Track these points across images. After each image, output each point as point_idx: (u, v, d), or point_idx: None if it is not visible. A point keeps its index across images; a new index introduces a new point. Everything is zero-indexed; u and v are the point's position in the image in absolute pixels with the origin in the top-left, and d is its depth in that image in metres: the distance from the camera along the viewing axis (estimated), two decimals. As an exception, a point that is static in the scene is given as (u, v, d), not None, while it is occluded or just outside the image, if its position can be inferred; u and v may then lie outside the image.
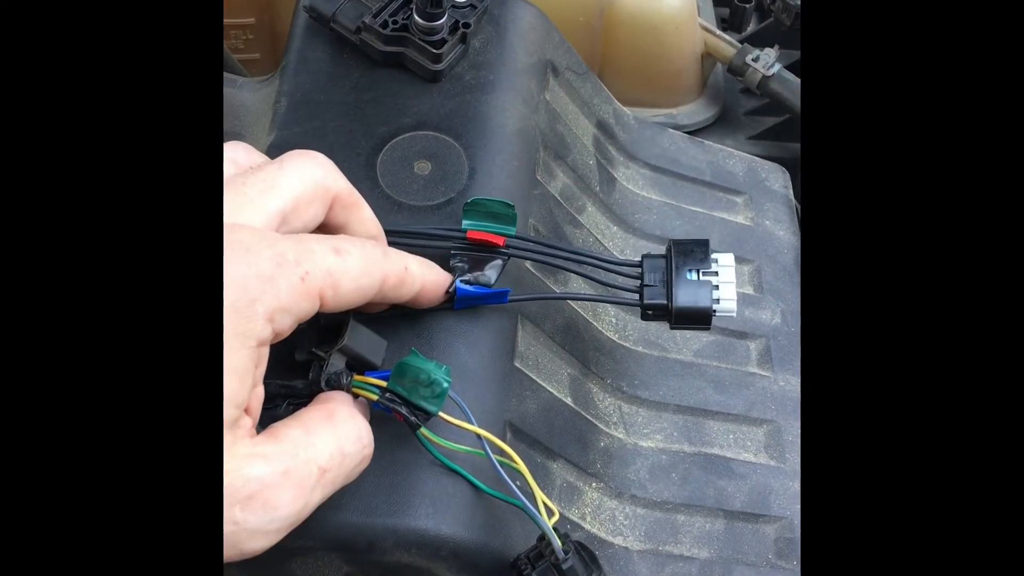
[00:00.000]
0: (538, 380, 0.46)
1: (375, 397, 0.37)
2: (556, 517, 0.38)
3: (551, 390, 0.47)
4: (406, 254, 0.40)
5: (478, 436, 0.38)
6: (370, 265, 0.37)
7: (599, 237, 0.54)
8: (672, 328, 0.43)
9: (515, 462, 0.38)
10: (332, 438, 0.35)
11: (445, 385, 0.37)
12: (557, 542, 0.37)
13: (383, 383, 0.37)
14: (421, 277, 0.40)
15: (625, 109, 0.62)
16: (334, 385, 0.37)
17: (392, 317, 0.43)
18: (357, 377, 0.38)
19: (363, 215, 0.40)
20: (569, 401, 0.47)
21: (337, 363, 0.38)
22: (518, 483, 0.38)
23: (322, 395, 0.38)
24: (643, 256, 0.44)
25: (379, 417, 0.39)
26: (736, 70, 0.68)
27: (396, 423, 0.39)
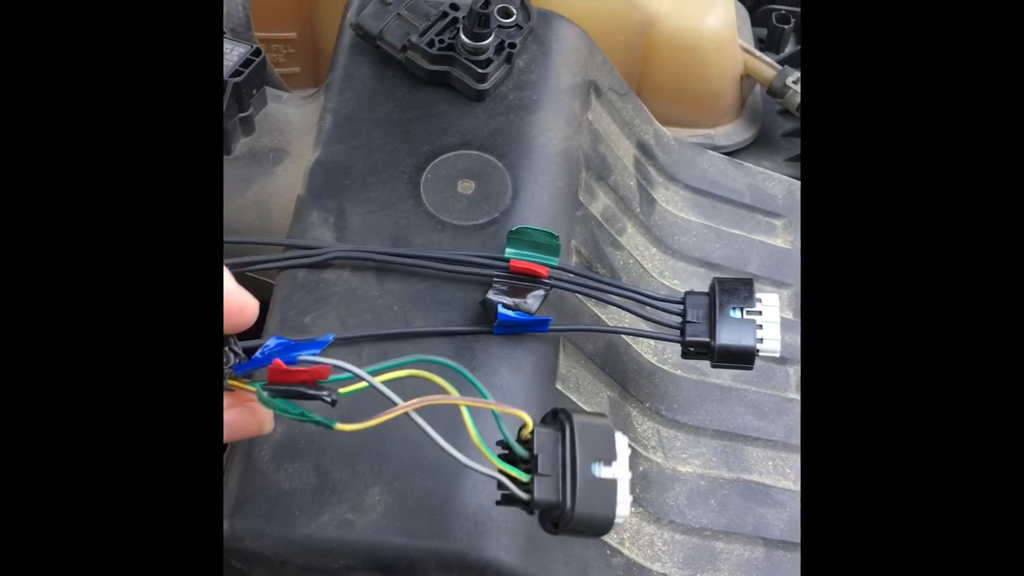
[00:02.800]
0: (578, 402, 0.46)
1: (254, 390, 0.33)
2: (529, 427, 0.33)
3: (591, 413, 0.46)
4: None
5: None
6: None
7: (639, 259, 0.54)
8: (713, 366, 0.43)
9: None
10: None
11: (322, 421, 0.33)
12: (518, 492, 0.32)
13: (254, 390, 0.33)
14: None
15: (665, 130, 0.61)
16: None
17: (432, 335, 0.43)
18: (232, 381, 0.34)
19: None
20: (609, 424, 0.47)
21: None
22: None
23: None
24: (686, 293, 0.44)
25: (422, 440, 0.39)
26: (776, 92, 0.68)
27: (437, 447, 0.39)
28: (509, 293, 0.43)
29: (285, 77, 0.68)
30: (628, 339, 0.51)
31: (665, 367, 0.52)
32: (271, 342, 0.32)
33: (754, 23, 0.78)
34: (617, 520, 0.32)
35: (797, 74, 0.67)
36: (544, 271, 0.44)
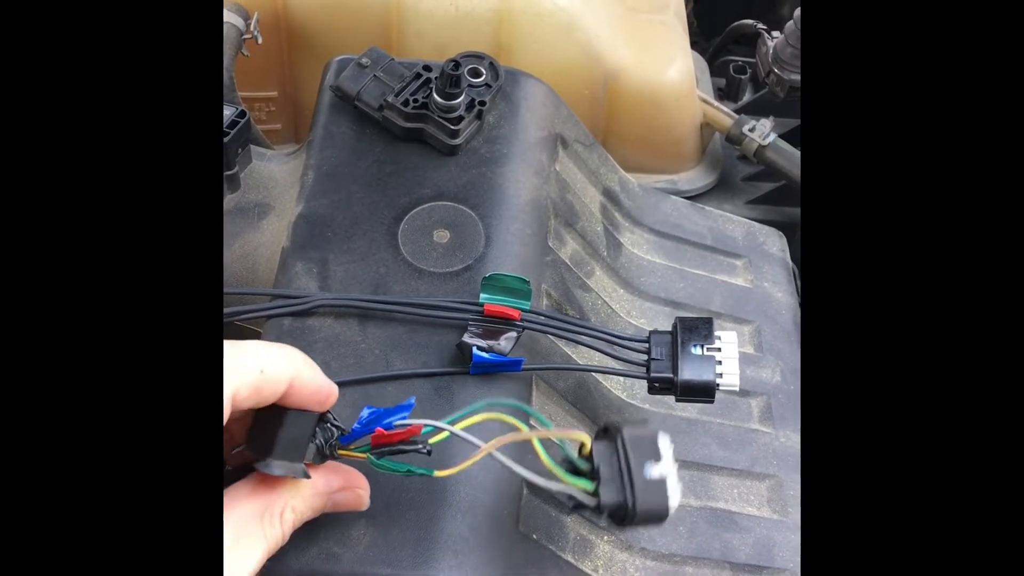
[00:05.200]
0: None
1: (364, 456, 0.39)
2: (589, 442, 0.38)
3: (564, 447, 0.49)
4: (266, 354, 0.36)
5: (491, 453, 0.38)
6: None
7: (607, 300, 0.57)
8: (677, 400, 0.46)
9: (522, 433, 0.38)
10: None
11: (424, 472, 0.39)
12: (587, 500, 0.37)
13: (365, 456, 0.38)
14: (287, 374, 0.36)
15: (630, 177, 0.65)
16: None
17: (412, 377, 0.46)
18: (342, 452, 0.39)
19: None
20: (581, 457, 0.50)
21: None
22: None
23: None
24: (650, 332, 0.47)
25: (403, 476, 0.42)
26: (733, 139, 0.71)
27: (420, 480, 0.42)
28: (483, 336, 0.46)
29: (267, 133, 0.72)
30: (598, 376, 0.54)
31: (634, 402, 0.55)
32: (364, 413, 0.38)
33: (713, 74, 0.83)
34: (671, 509, 0.38)
35: (753, 122, 0.70)
36: (516, 314, 0.47)
